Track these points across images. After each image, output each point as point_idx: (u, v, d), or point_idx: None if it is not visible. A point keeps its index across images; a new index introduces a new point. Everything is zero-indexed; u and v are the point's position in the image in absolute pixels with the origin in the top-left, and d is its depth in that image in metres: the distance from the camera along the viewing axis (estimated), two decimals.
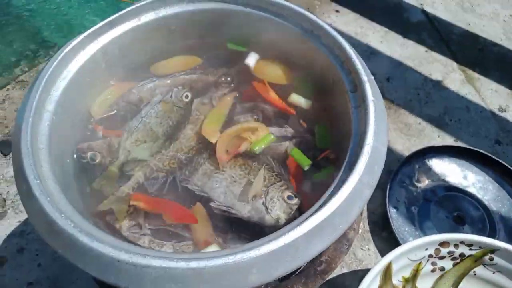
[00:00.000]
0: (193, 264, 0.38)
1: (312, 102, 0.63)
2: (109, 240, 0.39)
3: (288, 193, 0.53)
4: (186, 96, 0.61)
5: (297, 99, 0.63)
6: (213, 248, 0.49)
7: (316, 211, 0.42)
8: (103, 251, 0.38)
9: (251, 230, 0.53)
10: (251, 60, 0.67)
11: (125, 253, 0.38)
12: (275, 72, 0.66)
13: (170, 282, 0.38)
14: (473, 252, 0.71)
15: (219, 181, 0.55)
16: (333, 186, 0.45)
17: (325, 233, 0.42)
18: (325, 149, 0.59)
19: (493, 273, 0.72)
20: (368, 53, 1.15)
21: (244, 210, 0.52)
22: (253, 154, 0.58)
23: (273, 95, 0.63)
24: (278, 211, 0.52)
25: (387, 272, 0.68)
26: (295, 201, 0.53)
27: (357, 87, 0.52)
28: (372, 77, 0.53)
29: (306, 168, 0.57)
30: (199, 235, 0.51)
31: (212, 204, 0.53)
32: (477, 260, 0.72)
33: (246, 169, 0.56)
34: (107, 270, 0.38)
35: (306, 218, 0.41)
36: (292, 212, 0.52)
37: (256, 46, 0.67)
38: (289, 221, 0.51)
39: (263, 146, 0.58)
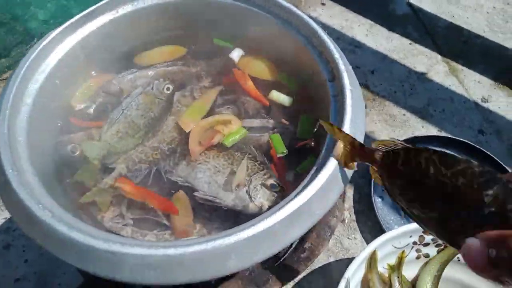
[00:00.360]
0: (171, 251, 0.38)
1: (293, 98, 0.63)
2: (87, 229, 0.40)
3: (271, 181, 0.54)
4: (168, 88, 0.61)
5: (277, 96, 0.63)
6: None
7: (293, 197, 0.43)
8: (81, 241, 0.38)
9: (235, 219, 0.54)
10: (236, 54, 0.67)
11: (103, 241, 0.38)
12: (259, 67, 0.66)
13: (149, 270, 0.38)
14: None
15: (203, 171, 0.55)
16: (311, 173, 0.46)
17: (303, 219, 0.42)
18: (305, 139, 0.59)
19: None
20: (353, 46, 1.16)
21: (228, 199, 0.53)
22: (225, 147, 0.58)
23: (250, 84, 0.63)
24: (261, 199, 0.53)
25: (372, 260, 0.69)
26: (278, 188, 0.54)
27: (335, 76, 0.52)
28: (350, 67, 0.53)
29: (279, 155, 0.58)
30: (178, 225, 0.51)
31: (196, 193, 0.54)
32: None
33: (229, 159, 0.56)
34: (86, 259, 0.39)
35: (284, 205, 0.42)
36: (275, 200, 0.53)
37: (240, 42, 0.67)
38: None
39: (232, 140, 0.58)
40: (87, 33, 0.57)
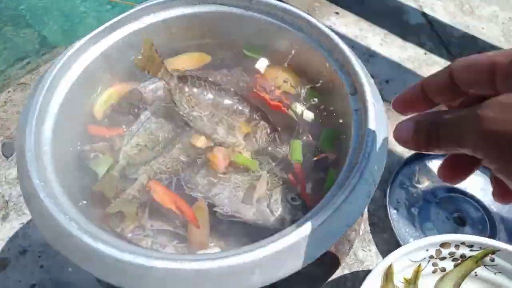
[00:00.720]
0: (197, 266, 0.38)
1: (315, 113, 0.62)
2: (113, 241, 0.40)
3: (291, 195, 0.54)
4: None
5: (300, 110, 0.62)
6: (215, 250, 0.50)
7: (317, 212, 0.42)
8: (107, 252, 0.38)
9: (254, 234, 0.53)
10: (261, 65, 0.67)
11: (129, 254, 0.38)
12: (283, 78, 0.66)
13: (174, 284, 0.38)
14: (474, 253, 0.72)
15: (223, 188, 0.55)
16: (333, 188, 0.46)
17: (327, 234, 0.42)
18: (323, 152, 0.59)
19: (494, 274, 0.72)
20: (368, 56, 1.16)
21: (248, 214, 0.53)
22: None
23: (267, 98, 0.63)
24: (282, 213, 0.52)
25: (388, 274, 0.69)
26: (299, 202, 0.53)
27: (356, 89, 0.52)
28: (372, 80, 0.53)
29: (293, 161, 0.57)
30: (195, 235, 0.51)
31: (216, 209, 0.53)
32: (478, 261, 0.72)
33: (248, 174, 0.56)
34: (111, 272, 0.39)
35: (307, 220, 0.42)
36: (296, 214, 0.53)
37: (266, 53, 0.67)
38: (293, 222, 0.51)
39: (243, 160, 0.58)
40: (111, 43, 0.57)
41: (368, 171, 0.45)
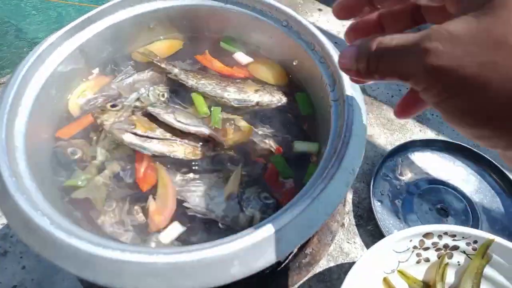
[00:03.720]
0: (173, 258, 0.37)
1: (319, 144, 0.59)
2: (86, 236, 0.39)
3: (264, 194, 0.53)
4: (163, 95, 0.61)
5: (302, 147, 0.59)
6: (176, 225, 0.50)
7: (297, 201, 0.42)
8: (80, 247, 0.37)
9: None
10: (241, 58, 0.67)
11: (103, 248, 0.37)
12: (267, 71, 0.66)
13: (150, 277, 0.37)
14: (456, 243, 0.72)
15: (197, 186, 0.54)
16: (313, 177, 0.45)
17: (307, 223, 0.42)
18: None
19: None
20: None
21: (218, 210, 0.52)
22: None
23: (217, 64, 0.65)
24: (253, 209, 0.51)
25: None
26: (272, 201, 0.52)
27: (335, 80, 0.52)
28: None
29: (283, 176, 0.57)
30: (154, 215, 0.51)
31: (185, 204, 0.52)
32: (484, 256, 0.71)
33: (222, 173, 0.55)
34: (85, 267, 0.38)
35: (287, 209, 0.41)
36: (267, 211, 0.52)
37: (245, 47, 0.67)
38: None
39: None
40: (87, 37, 0.56)
41: (347, 160, 0.45)
